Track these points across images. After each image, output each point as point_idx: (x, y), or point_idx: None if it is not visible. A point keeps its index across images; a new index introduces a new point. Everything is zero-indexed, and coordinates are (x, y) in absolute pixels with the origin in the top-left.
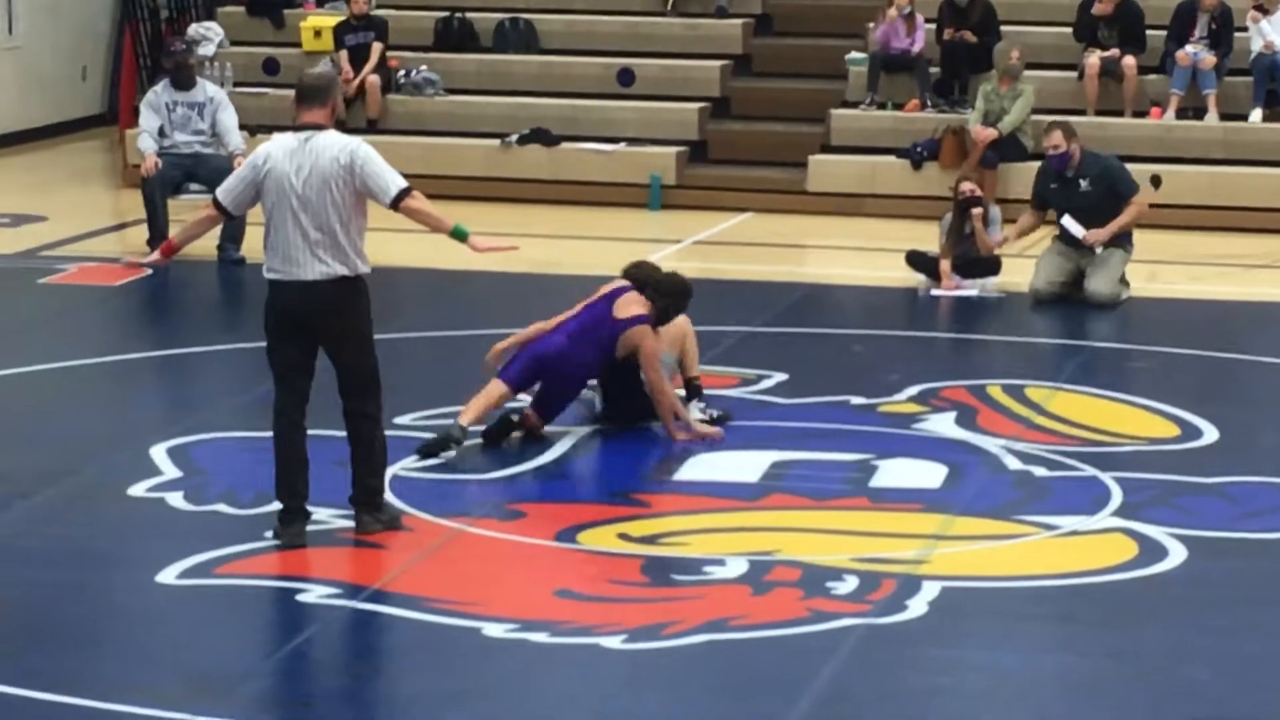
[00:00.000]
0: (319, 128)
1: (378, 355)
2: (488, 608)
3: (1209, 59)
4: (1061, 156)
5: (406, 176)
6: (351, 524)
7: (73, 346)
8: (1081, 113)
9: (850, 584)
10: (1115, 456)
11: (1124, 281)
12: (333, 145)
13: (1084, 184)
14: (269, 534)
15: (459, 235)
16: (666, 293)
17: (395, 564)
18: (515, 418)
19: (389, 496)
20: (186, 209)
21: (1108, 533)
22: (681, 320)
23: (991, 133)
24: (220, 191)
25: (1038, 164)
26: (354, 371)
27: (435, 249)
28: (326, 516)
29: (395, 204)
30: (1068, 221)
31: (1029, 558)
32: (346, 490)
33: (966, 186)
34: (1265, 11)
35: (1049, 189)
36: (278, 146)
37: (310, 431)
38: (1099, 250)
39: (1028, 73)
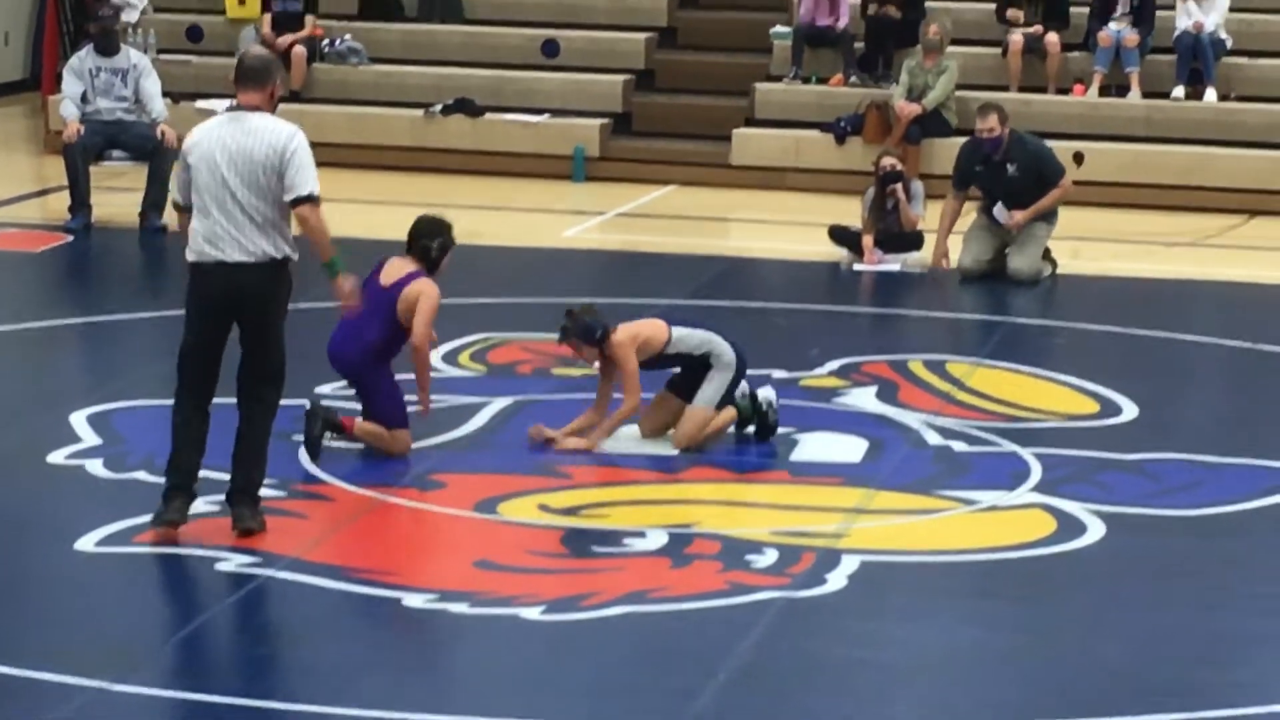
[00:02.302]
0: (255, 109)
1: (300, 326)
2: (407, 578)
3: (1132, 37)
4: (995, 140)
5: (331, 146)
6: (274, 493)
7: None
8: (1005, 89)
9: (770, 557)
10: (1035, 432)
11: (1049, 258)
12: (270, 130)
13: (1011, 169)
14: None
15: (332, 269)
16: (426, 232)
17: (315, 533)
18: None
19: (309, 467)
20: (109, 176)
21: (1027, 508)
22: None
23: (915, 108)
24: (174, 193)
25: (961, 139)
26: (265, 360)
27: (357, 218)
28: None
29: (294, 203)
30: (998, 211)
31: (948, 533)
32: (271, 459)
33: (887, 161)
34: None
35: (974, 171)
36: (208, 128)
37: (230, 400)
38: (1007, 227)
39: (952, 49)
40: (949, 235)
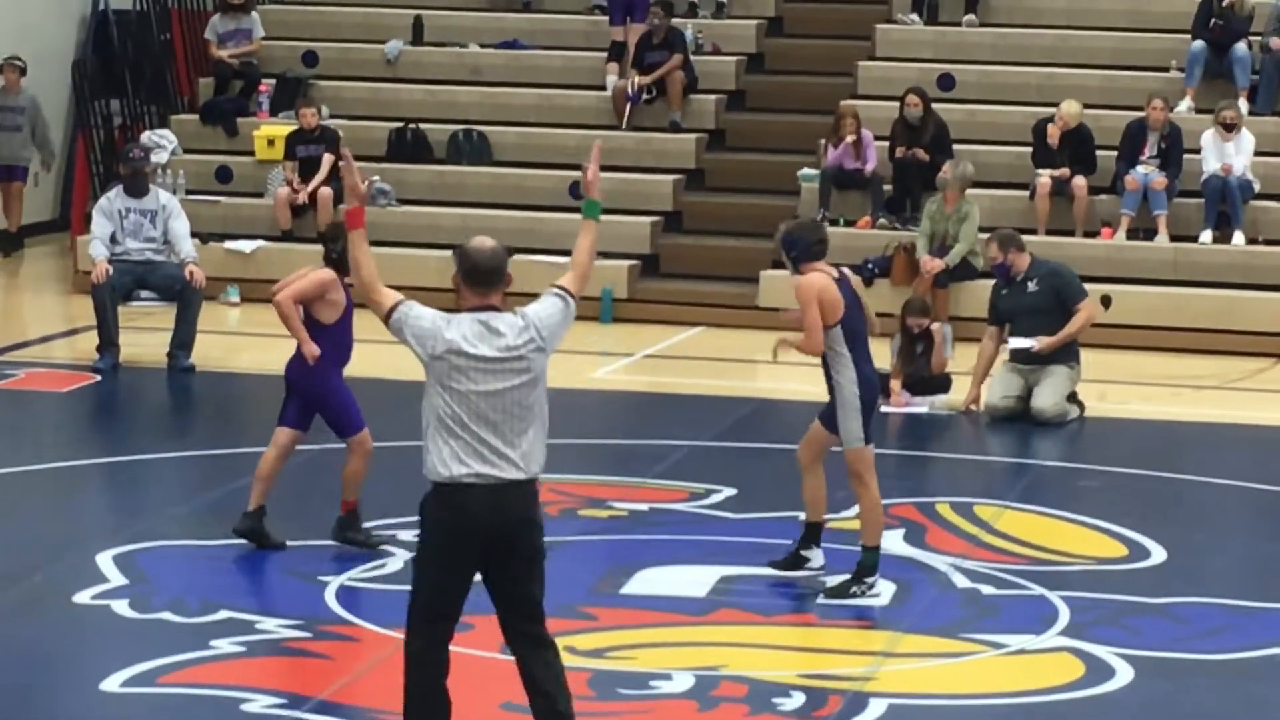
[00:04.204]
0: (500, 311)
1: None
2: None
3: (1160, 180)
4: (1000, 266)
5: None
6: (299, 634)
7: (20, 452)
8: (1033, 232)
9: (797, 700)
10: (1063, 576)
11: (1077, 401)
12: (524, 321)
13: (1031, 284)
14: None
15: None
16: (330, 236)
17: (341, 675)
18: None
19: (335, 607)
20: (137, 316)
21: (1055, 652)
22: None
23: (939, 264)
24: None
25: (988, 282)
26: (536, 593)
27: (385, 359)
28: (273, 626)
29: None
30: (1016, 342)
31: (976, 676)
32: (297, 599)
33: (913, 323)
34: (1231, 129)
35: (1000, 295)
36: (459, 328)
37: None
38: (1033, 351)
39: (980, 191)
40: (984, 380)
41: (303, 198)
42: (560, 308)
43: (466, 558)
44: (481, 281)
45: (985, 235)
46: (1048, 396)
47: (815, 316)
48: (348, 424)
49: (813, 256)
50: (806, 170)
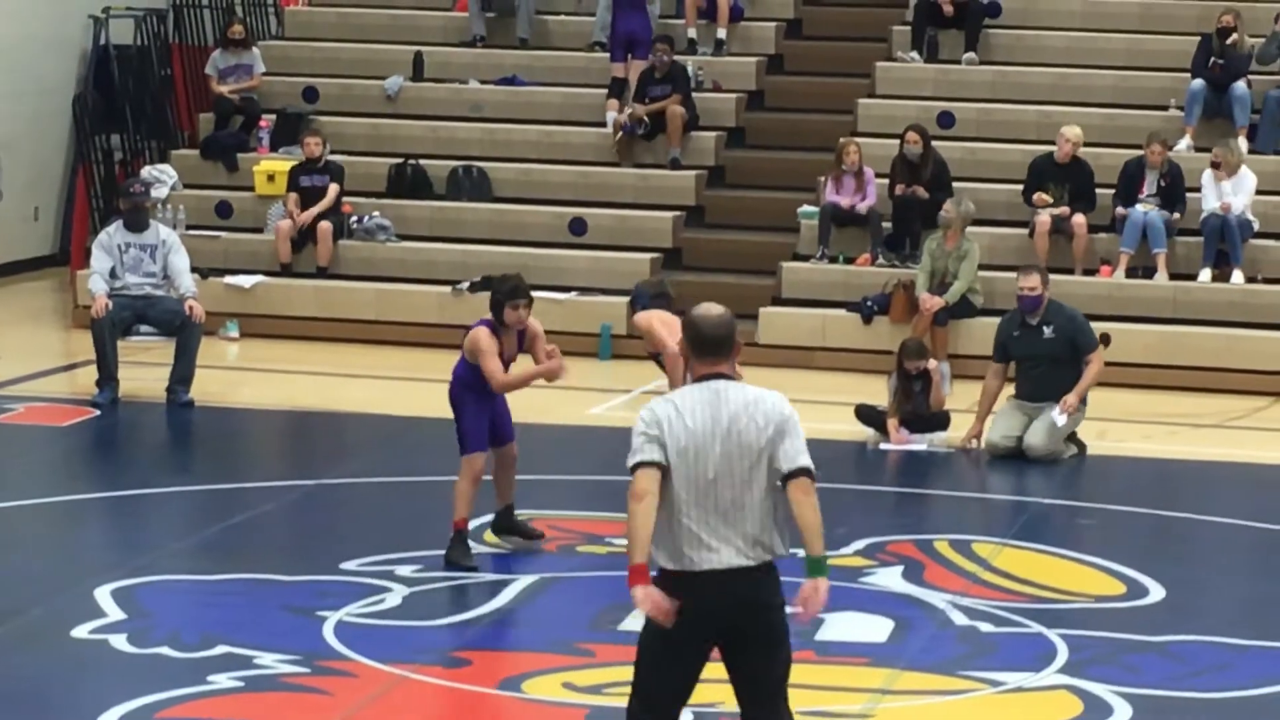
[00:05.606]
0: (728, 378)
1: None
2: None
3: (1172, 219)
4: (1035, 299)
5: (358, 322)
6: (297, 670)
7: (18, 487)
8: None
9: None
10: (1061, 613)
11: (1076, 441)
12: (758, 401)
13: (1048, 330)
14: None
15: (818, 568)
16: (491, 290)
17: (339, 711)
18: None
19: (333, 643)
20: (136, 350)
21: (1053, 690)
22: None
23: (939, 301)
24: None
25: (986, 320)
26: (779, 675)
27: (384, 395)
28: (271, 661)
29: (791, 475)
30: (1057, 415)
31: (974, 714)
32: (296, 634)
33: (910, 365)
34: (1218, 168)
35: (1011, 337)
36: (680, 405)
37: (256, 576)
38: (1050, 410)
39: (978, 229)
40: (987, 416)
41: (304, 219)
42: (799, 431)
43: (691, 647)
44: (708, 350)
45: (990, 275)
46: (1040, 435)
47: (660, 332)
48: (464, 443)
49: (652, 307)
50: (806, 207)
